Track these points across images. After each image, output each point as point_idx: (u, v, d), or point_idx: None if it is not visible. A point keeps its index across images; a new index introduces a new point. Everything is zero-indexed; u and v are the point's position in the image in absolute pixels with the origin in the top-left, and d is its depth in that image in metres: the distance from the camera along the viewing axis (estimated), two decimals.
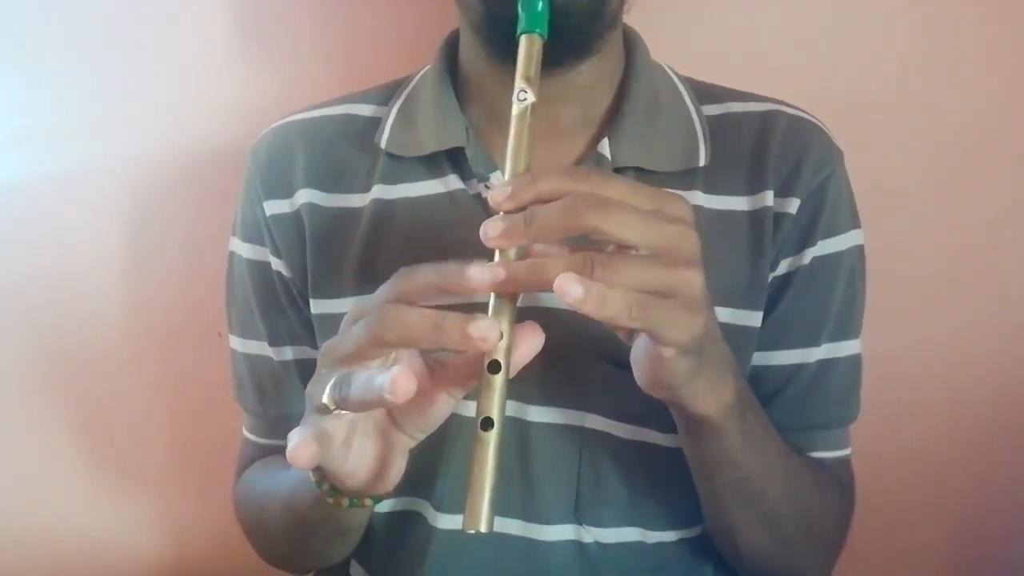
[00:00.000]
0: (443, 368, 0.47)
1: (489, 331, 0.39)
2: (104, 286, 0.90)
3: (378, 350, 0.43)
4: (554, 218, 0.40)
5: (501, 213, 0.42)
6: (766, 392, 0.62)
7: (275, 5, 0.85)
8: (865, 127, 0.76)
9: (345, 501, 0.51)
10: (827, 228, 0.62)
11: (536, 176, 0.42)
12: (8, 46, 0.85)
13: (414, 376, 0.40)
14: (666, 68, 0.67)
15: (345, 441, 0.47)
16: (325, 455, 0.46)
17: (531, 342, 0.42)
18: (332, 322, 0.63)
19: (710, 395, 0.48)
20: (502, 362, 0.41)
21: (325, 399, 0.44)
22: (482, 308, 0.42)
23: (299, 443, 0.42)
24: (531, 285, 0.41)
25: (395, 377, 0.39)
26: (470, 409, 0.44)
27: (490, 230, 0.41)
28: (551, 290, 0.39)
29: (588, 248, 0.41)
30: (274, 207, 0.66)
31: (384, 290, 0.44)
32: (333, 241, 0.64)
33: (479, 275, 0.40)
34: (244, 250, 0.68)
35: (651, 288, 0.40)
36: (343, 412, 0.45)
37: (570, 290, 0.38)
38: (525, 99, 0.46)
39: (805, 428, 0.63)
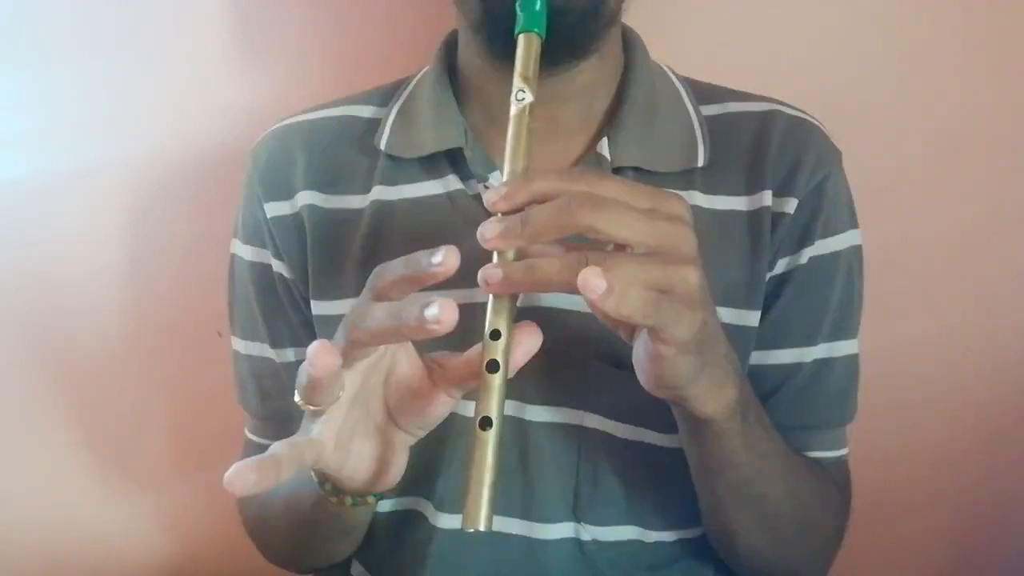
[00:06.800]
0: (442, 368, 0.47)
1: (444, 312, 0.39)
2: (104, 286, 0.90)
3: (358, 351, 0.44)
4: (549, 218, 0.40)
5: (499, 215, 0.42)
6: (763, 391, 0.62)
7: (274, 5, 0.85)
8: (864, 128, 0.76)
9: (348, 500, 0.51)
10: (825, 228, 0.62)
11: (531, 177, 0.42)
12: (7, 47, 0.85)
13: (331, 351, 0.40)
14: (665, 68, 0.67)
15: (340, 445, 0.47)
16: (319, 463, 0.46)
17: (529, 342, 0.43)
18: (333, 323, 0.63)
19: (712, 395, 0.48)
20: (500, 362, 0.42)
21: (296, 398, 0.45)
22: (483, 308, 0.43)
23: (238, 470, 0.40)
24: (529, 286, 0.41)
25: (314, 350, 0.40)
26: (470, 409, 0.44)
27: (487, 232, 0.41)
28: (548, 290, 0.39)
29: (585, 247, 0.41)
30: (275, 209, 0.66)
31: (364, 291, 0.44)
32: (333, 242, 0.64)
33: (443, 259, 0.40)
34: (245, 252, 0.68)
35: (649, 286, 0.40)
36: (314, 407, 0.45)
37: (595, 285, 0.38)
38: (523, 98, 0.46)
39: (802, 428, 0.63)
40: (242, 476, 0.40)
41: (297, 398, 0.45)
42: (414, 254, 0.41)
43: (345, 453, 0.47)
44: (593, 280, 0.38)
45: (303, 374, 0.43)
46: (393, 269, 0.42)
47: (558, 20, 0.52)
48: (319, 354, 0.40)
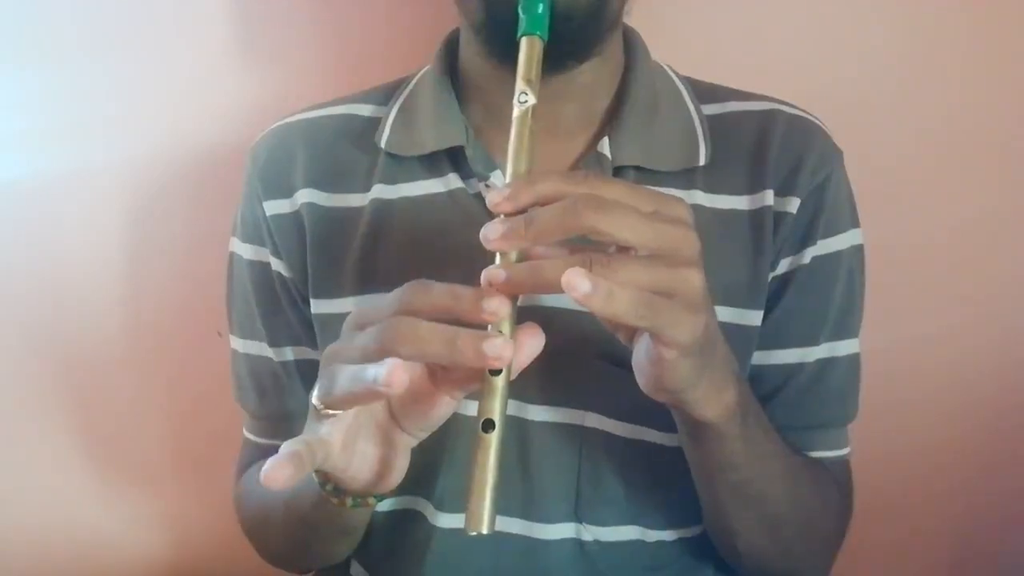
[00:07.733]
0: (444, 370, 0.47)
1: (503, 350, 0.39)
2: (104, 286, 0.90)
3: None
4: (553, 219, 0.40)
5: (501, 216, 0.42)
6: (765, 391, 0.62)
7: (275, 5, 0.85)
8: (865, 127, 0.76)
9: (349, 500, 0.51)
10: (827, 227, 0.62)
11: (534, 178, 0.42)
12: (7, 47, 0.84)
13: (407, 368, 0.40)
14: (666, 68, 0.67)
15: (346, 446, 0.47)
16: (326, 463, 0.46)
17: (532, 344, 0.43)
18: (332, 322, 0.63)
19: (712, 399, 0.48)
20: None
21: (314, 400, 0.45)
22: None
23: (274, 465, 0.41)
24: (531, 287, 0.41)
25: (391, 369, 0.39)
26: (471, 408, 0.44)
27: (490, 233, 0.41)
28: (551, 291, 0.39)
29: (588, 249, 0.41)
30: (274, 207, 0.66)
31: (393, 300, 0.43)
32: (333, 241, 0.64)
33: (496, 310, 0.40)
34: (244, 251, 0.68)
35: (651, 288, 0.40)
36: (332, 412, 0.45)
37: (578, 285, 0.38)
38: (526, 101, 0.46)
39: (804, 427, 0.63)
40: (278, 470, 0.41)
41: (316, 400, 0.45)
42: (460, 289, 0.42)
43: (351, 454, 0.47)
44: (575, 279, 0.38)
45: (343, 380, 0.43)
46: (439, 296, 0.42)
47: (561, 24, 0.52)
48: (396, 373, 0.40)
